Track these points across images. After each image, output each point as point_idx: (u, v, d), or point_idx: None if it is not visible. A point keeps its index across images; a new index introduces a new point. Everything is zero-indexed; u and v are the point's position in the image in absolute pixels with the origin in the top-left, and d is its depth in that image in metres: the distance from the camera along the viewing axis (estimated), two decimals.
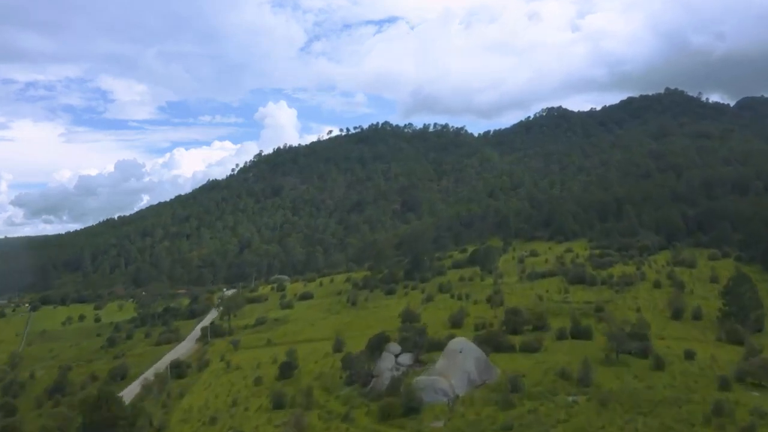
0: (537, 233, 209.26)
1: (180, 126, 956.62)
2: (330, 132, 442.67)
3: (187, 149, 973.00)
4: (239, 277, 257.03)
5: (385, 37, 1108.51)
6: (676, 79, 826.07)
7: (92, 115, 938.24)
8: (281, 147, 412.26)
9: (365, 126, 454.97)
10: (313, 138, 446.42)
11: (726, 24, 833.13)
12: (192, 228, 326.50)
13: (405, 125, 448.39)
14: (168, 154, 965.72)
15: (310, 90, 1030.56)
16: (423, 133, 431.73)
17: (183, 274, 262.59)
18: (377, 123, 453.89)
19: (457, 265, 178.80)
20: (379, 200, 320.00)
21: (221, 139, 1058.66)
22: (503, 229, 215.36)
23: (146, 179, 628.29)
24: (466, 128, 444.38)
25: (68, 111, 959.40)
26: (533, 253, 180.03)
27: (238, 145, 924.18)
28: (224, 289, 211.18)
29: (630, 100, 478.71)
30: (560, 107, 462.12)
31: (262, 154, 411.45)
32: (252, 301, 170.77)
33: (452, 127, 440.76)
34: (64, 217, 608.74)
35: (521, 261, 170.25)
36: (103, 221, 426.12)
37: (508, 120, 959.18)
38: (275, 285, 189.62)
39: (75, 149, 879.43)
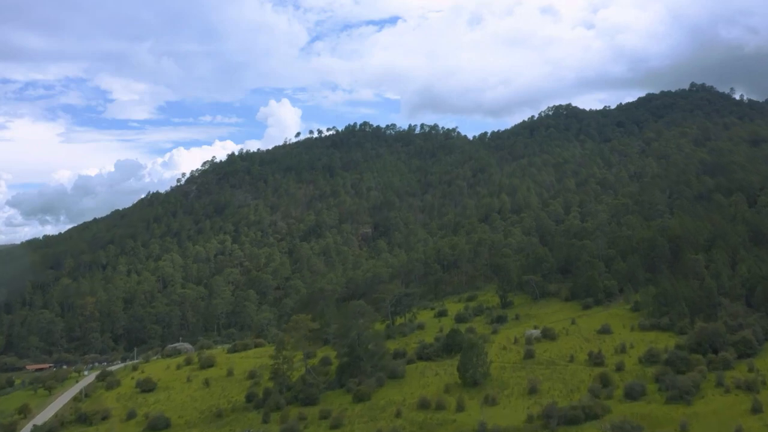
0: (550, 287, 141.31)
1: (180, 126, 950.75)
2: (298, 134, 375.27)
3: (187, 149, 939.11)
4: (141, 336, 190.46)
5: (388, 36, 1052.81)
6: (696, 76, 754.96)
7: (92, 115, 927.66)
8: (235, 153, 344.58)
9: (354, 125, 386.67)
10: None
11: (758, 16, 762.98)
12: (110, 256, 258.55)
13: (387, 126, 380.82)
14: (168, 154, 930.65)
15: (312, 90, 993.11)
16: (407, 136, 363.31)
17: (67, 331, 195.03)
18: (354, 123, 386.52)
19: (424, 355, 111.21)
20: (346, 222, 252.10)
21: (222, 138, 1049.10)
22: (501, 276, 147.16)
23: (146, 180, 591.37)
24: (458, 130, 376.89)
25: (67, 111, 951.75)
26: (547, 334, 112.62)
27: (240, 145, 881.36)
28: (84, 371, 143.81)
29: (649, 97, 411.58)
30: (569, 105, 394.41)
31: (215, 160, 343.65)
32: (83, 419, 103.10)
33: (442, 128, 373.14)
34: (62, 218, 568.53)
35: (529, 353, 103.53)
36: (27, 241, 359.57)
37: (518, 120, 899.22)
38: (143, 380, 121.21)
39: (74, 149, 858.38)
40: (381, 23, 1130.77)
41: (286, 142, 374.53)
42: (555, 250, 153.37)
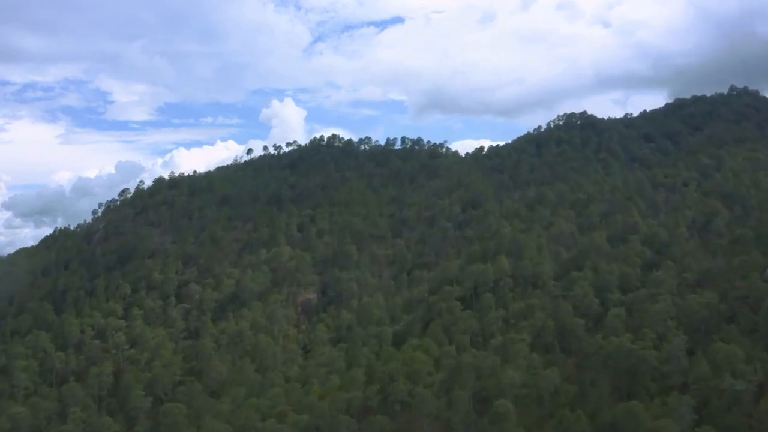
0: None
1: (181, 127, 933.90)
2: (250, 151, 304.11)
3: (188, 149, 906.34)
4: None
5: (393, 35, 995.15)
6: (729, 74, 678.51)
7: (92, 116, 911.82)
8: (165, 177, 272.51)
9: (320, 138, 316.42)
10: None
11: None
12: None
13: (361, 139, 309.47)
14: (168, 155, 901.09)
15: (314, 91, 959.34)
16: (383, 153, 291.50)
17: None
18: (321, 137, 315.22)
19: None
20: (282, 284, 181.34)
21: (224, 139, 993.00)
22: None
23: (148, 182, 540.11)
24: (447, 145, 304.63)
25: (67, 112, 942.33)
26: None
27: (243, 146, 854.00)
28: None
29: (680, 103, 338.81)
30: (584, 113, 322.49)
31: (144, 185, 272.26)
32: None
33: (427, 142, 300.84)
34: (59, 220, 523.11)
35: None
36: None
37: (531, 121, 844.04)
38: None
39: (75, 151, 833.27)
40: (386, 23, 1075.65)
41: (236, 160, 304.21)
42: (594, 411, 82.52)
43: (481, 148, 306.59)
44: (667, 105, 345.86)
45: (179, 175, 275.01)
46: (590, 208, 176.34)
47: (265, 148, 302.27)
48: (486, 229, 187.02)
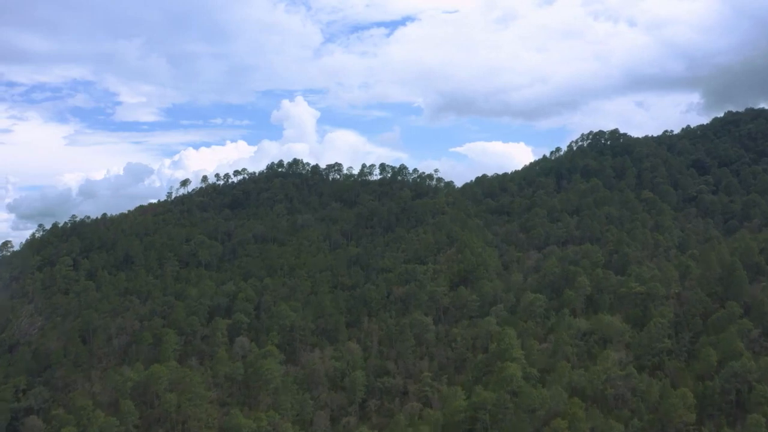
0: None
1: (190, 128, 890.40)
2: (186, 182, 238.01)
3: (196, 149, 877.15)
4: None
5: (408, 34, 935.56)
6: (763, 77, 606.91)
7: (99, 117, 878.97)
8: (60, 223, 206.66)
9: (279, 163, 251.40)
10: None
11: None
12: None
13: (328, 167, 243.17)
14: (177, 156, 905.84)
15: (324, 92, 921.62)
16: (354, 187, 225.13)
17: None
18: (280, 161, 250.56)
19: None
20: (159, 429, 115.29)
21: (233, 140, 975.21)
22: None
23: (156, 184, 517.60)
24: (439, 174, 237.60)
25: (75, 114, 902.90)
26: None
27: (254, 147, 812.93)
28: None
29: (733, 117, 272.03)
30: (615, 131, 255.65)
31: (37, 234, 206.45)
32: None
33: (413, 171, 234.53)
34: (63, 221, 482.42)
35: None
36: None
37: (553, 124, 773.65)
38: None
39: (82, 152, 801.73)
40: (396, 23, 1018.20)
41: (170, 195, 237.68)
42: None
43: (484, 176, 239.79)
44: (717, 120, 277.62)
45: (85, 218, 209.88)
46: (653, 318, 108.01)
47: (204, 179, 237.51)
48: (481, 337, 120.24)
